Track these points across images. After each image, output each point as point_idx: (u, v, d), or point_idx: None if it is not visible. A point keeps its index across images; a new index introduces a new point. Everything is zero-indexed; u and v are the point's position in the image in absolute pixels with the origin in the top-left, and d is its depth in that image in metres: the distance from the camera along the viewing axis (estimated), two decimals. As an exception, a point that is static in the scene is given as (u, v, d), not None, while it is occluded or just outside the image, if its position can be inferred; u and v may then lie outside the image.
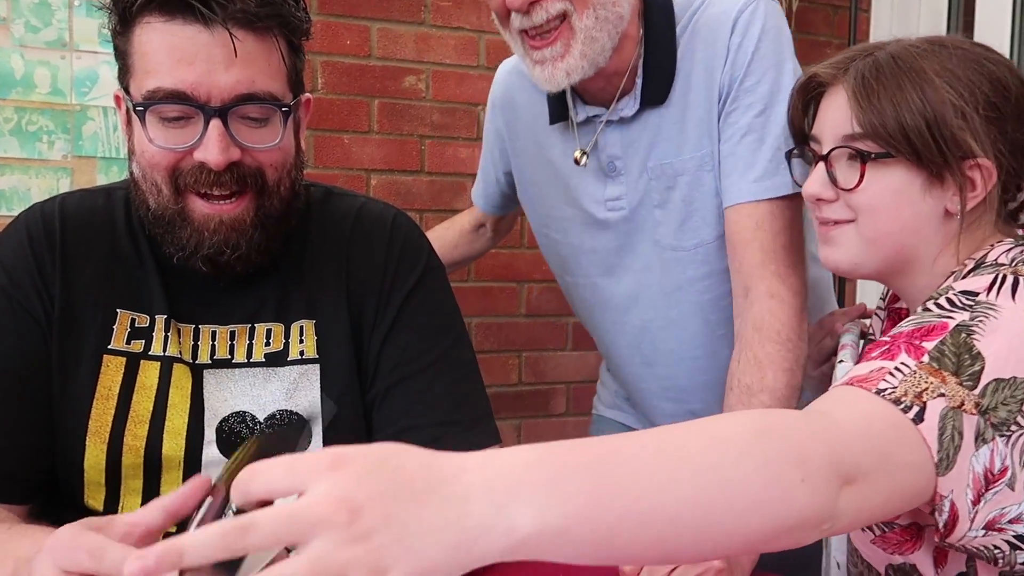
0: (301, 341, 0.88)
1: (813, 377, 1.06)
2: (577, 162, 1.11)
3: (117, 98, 0.85)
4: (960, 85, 0.78)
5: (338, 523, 0.42)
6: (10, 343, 0.82)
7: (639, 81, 1.07)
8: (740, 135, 1.03)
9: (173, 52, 0.77)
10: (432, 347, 0.90)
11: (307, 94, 0.90)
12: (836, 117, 0.82)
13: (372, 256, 0.91)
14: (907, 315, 0.93)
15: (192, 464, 0.84)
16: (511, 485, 0.46)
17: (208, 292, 0.86)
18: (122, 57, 0.82)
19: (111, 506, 0.83)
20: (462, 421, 0.88)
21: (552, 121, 1.16)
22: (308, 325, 0.89)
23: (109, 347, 0.84)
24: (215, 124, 0.77)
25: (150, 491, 0.83)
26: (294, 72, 0.85)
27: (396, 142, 1.84)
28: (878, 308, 1.02)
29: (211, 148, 0.77)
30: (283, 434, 0.71)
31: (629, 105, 1.09)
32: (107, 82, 1.64)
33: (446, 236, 1.45)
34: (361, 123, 1.81)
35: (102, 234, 0.87)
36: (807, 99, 0.88)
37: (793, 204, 1.03)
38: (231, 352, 0.87)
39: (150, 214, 0.83)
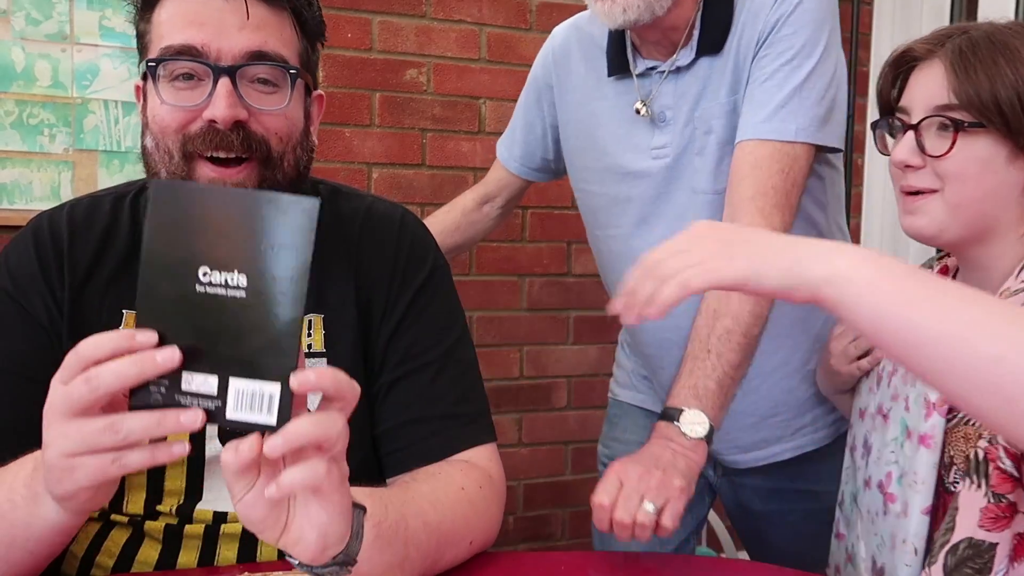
0: (309, 335, 0.89)
1: (839, 374, 1.05)
2: (638, 112, 1.17)
3: (137, 88, 0.87)
4: None
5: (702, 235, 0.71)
6: (18, 347, 0.83)
7: (696, 32, 1.13)
8: (763, 79, 1.08)
9: (187, 15, 0.80)
10: (436, 344, 0.92)
11: (321, 91, 0.92)
12: (929, 88, 0.88)
13: (381, 253, 0.93)
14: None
15: (196, 460, 0.84)
16: (834, 248, 0.66)
17: None
18: (141, 39, 0.84)
19: (115, 504, 0.84)
20: (462, 416, 0.90)
21: (610, 73, 1.21)
22: (316, 319, 0.90)
23: None
24: (224, 82, 0.79)
25: (153, 487, 0.84)
26: (305, 55, 0.87)
27: (397, 135, 1.84)
28: None
29: (219, 104, 0.79)
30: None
31: (684, 55, 1.14)
32: (108, 75, 1.63)
33: (446, 220, 1.46)
34: (362, 116, 1.81)
35: (108, 240, 0.88)
36: (897, 73, 0.93)
37: (797, 154, 1.06)
38: None
39: None
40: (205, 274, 0.56)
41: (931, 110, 0.87)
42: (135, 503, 0.84)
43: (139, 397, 0.57)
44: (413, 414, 0.89)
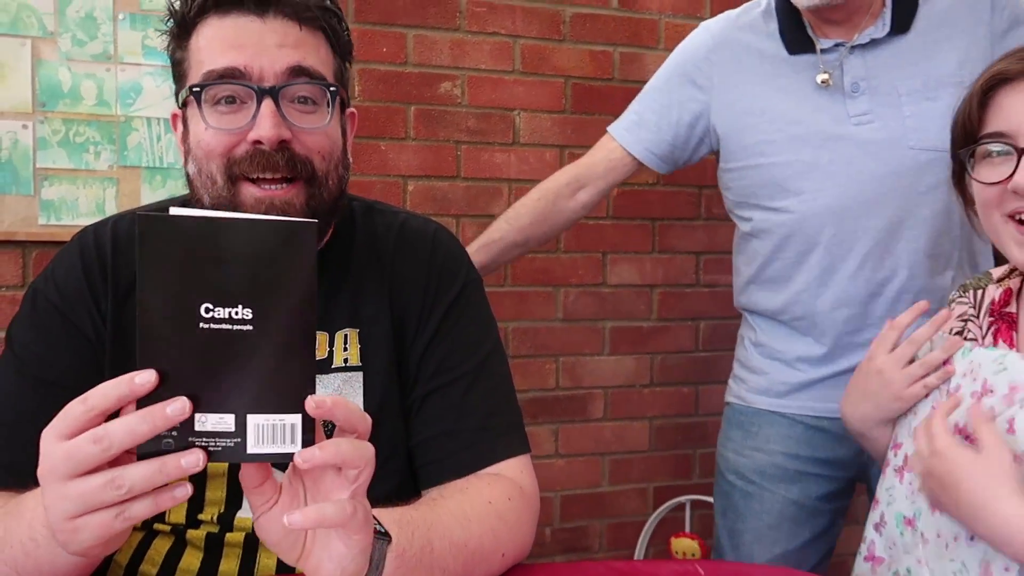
0: (345, 349, 0.90)
1: (899, 399, 1.00)
2: (826, 83, 1.30)
3: (175, 117, 0.88)
4: None
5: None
6: (64, 360, 0.85)
7: (887, 10, 1.29)
8: None
9: (227, 40, 0.81)
10: (470, 357, 0.92)
11: (352, 108, 0.93)
12: None
13: (415, 268, 0.94)
14: (1014, 319, 0.92)
15: (236, 468, 0.85)
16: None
17: None
18: (178, 66, 0.86)
19: (158, 513, 0.85)
20: (493, 429, 0.91)
21: (791, 52, 1.34)
22: (352, 334, 0.91)
23: None
24: (267, 103, 0.80)
25: (195, 497, 0.85)
26: (340, 74, 0.88)
27: (432, 148, 1.85)
28: (968, 316, 1.01)
29: (264, 124, 0.80)
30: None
31: (877, 29, 1.29)
32: (151, 93, 1.67)
33: (536, 209, 1.48)
34: (398, 130, 1.83)
35: None
36: (986, 96, 0.90)
37: None
38: None
39: (206, 209, 0.85)
40: (208, 310, 0.53)
41: None
42: (177, 512, 0.85)
43: (148, 445, 0.54)
44: (446, 427, 0.89)
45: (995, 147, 0.89)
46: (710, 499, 1.76)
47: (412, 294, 0.93)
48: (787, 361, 1.40)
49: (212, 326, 0.54)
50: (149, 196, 1.68)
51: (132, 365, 0.84)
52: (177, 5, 0.85)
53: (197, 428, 0.55)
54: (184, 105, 0.85)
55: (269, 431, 0.55)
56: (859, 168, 1.29)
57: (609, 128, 1.50)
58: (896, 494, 0.98)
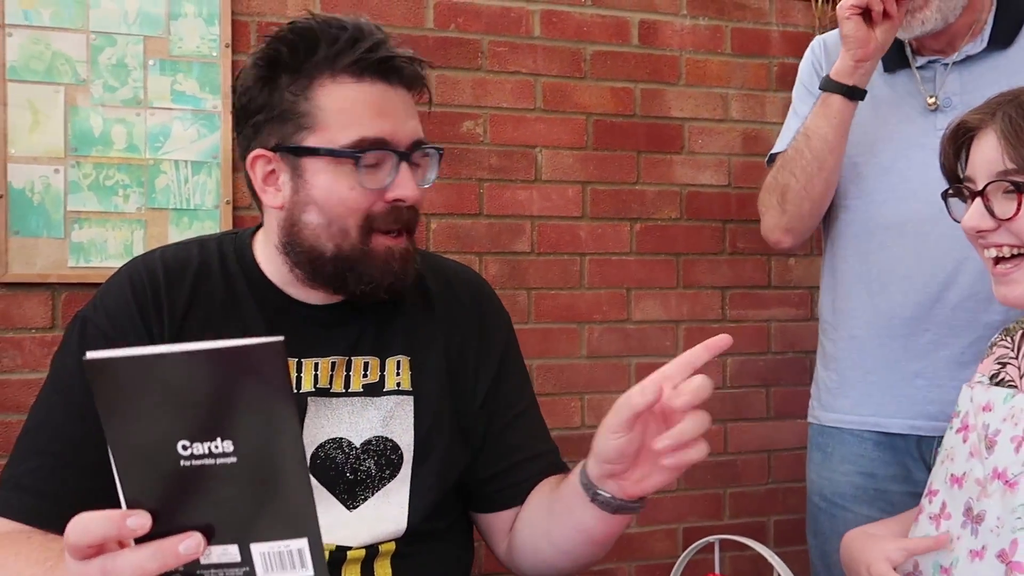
0: (397, 374, 0.96)
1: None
2: (931, 105, 1.33)
3: (255, 159, 0.90)
4: None
5: None
6: None
7: (988, 27, 1.30)
8: None
9: (372, 107, 0.88)
10: (528, 388, 1.05)
11: None
12: (988, 156, 0.93)
13: (462, 307, 1.02)
14: None
15: None
16: None
17: (308, 328, 0.93)
18: (295, 115, 0.88)
19: None
20: (556, 450, 1.04)
21: (887, 69, 1.38)
22: (404, 360, 0.96)
23: None
24: (405, 165, 0.89)
25: None
26: None
27: (455, 186, 1.86)
28: (1007, 359, 1.00)
29: (409, 185, 0.89)
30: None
31: (975, 46, 1.31)
32: (179, 136, 1.70)
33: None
34: (420, 168, 1.84)
35: (201, 279, 0.93)
36: (958, 145, 1.00)
37: None
38: (330, 382, 0.93)
39: (330, 256, 0.89)
40: (185, 448, 0.52)
41: (993, 176, 0.92)
42: None
43: None
44: (530, 452, 1.00)
45: (961, 190, 0.98)
46: (739, 539, 1.72)
47: (465, 327, 1.00)
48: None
49: (194, 463, 0.52)
50: (176, 236, 1.70)
51: None
52: (283, 50, 0.88)
53: (203, 561, 0.53)
54: (295, 153, 0.88)
55: (276, 558, 0.54)
56: (935, 176, 1.30)
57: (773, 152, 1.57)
58: (921, 554, 0.95)
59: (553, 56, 1.91)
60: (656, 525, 2.00)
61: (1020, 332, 1.01)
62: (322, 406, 0.92)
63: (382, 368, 0.95)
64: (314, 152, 0.87)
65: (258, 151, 0.89)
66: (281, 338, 0.51)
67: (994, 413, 0.93)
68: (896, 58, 1.38)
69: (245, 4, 1.74)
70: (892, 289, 1.36)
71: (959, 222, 0.98)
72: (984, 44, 1.31)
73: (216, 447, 0.52)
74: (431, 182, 0.95)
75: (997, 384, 0.99)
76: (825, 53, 1.48)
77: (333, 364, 0.93)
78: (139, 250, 1.67)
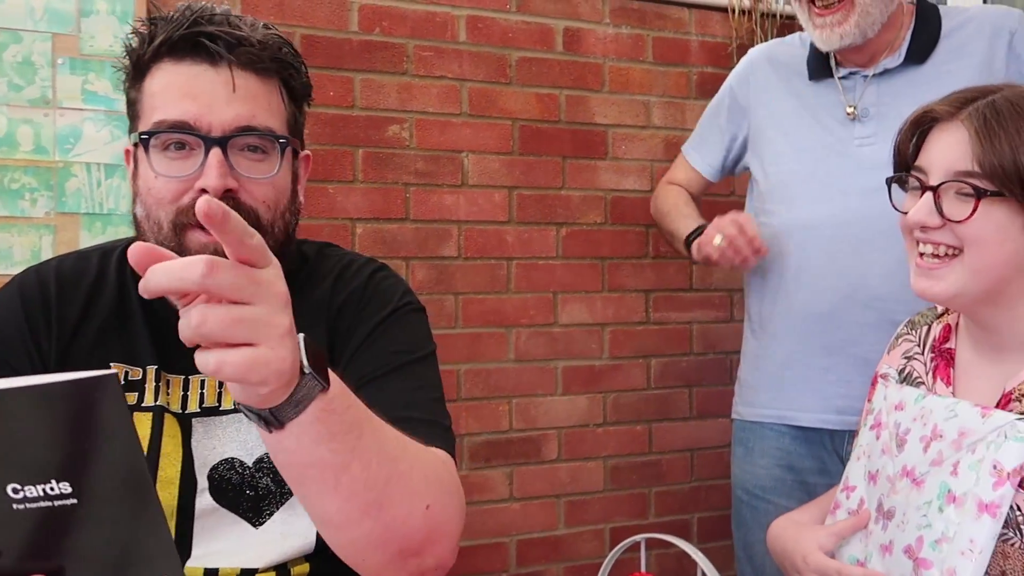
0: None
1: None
2: (850, 114, 1.42)
3: (127, 152, 0.88)
4: None
5: None
6: None
7: (905, 44, 1.39)
8: None
9: (180, 88, 0.82)
10: (395, 358, 0.90)
11: (308, 151, 0.95)
12: (951, 152, 0.89)
13: (349, 299, 0.94)
14: (952, 355, 0.95)
15: (185, 513, 0.84)
16: None
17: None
18: (132, 106, 0.86)
19: None
20: (413, 419, 0.84)
21: (812, 78, 1.48)
22: None
23: None
24: (215, 152, 0.81)
25: None
26: (293, 120, 0.90)
27: (381, 191, 1.85)
28: (912, 353, 1.03)
29: (211, 174, 0.81)
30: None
31: (893, 60, 1.40)
32: (91, 138, 1.64)
33: (684, 193, 1.73)
34: (345, 173, 1.82)
35: (95, 292, 0.89)
36: (916, 131, 0.96)
37: None
38: (219, 400, 0.88)
39: None
40: (16, 491, 0.48)
41: (951, 175, 0.89)
42: None
43: None
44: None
45: (912, 180, 0.95)
46: (664, 537, 1.76)
47: (346, 314, 0.93)
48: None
49: (29, 505, 0.48)
50: (89, 242, 1.63)
51: None
52: (134, 44, 0.85)
53: None
54: (136, 145, 0.85)
55: None
56: (851, 182, 1.40)
57: (687, 149, 1.73)
58: (849, 536, 0.98)
59: (479, 61, 1.92)
60: (583, 526, 2.02)
61: (925, 327, 1.06)
62: (211, 426, 0.88)
63: None
64: (135, 141, 0.85)
65: (127, 147, 0.88)
66: (114, 372, 0.49)
67: (906, 412, 0.96)
68: (820, 68, 1.46)
69: (161, 1, 1.68)
70: (807, 289, 1.43)
71: (899, 211, 0.96)
72: (901, 59, 1.39)
73: (51, 489, 0.48)
74: (273, 175, 0.85)
75: (905, 379, 1.03)
76: (752, 67, 1.60)
77: (220, 382, 0.88)
78: (47, 256, 1.60)
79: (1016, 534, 0.82)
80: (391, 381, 0.89)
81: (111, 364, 0.86)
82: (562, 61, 1.99)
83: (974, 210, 0.87)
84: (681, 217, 1.69)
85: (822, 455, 1.45)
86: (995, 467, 0.83)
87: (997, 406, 0.90)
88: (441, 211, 1.89)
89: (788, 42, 1.59)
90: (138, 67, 0.85)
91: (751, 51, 1.66)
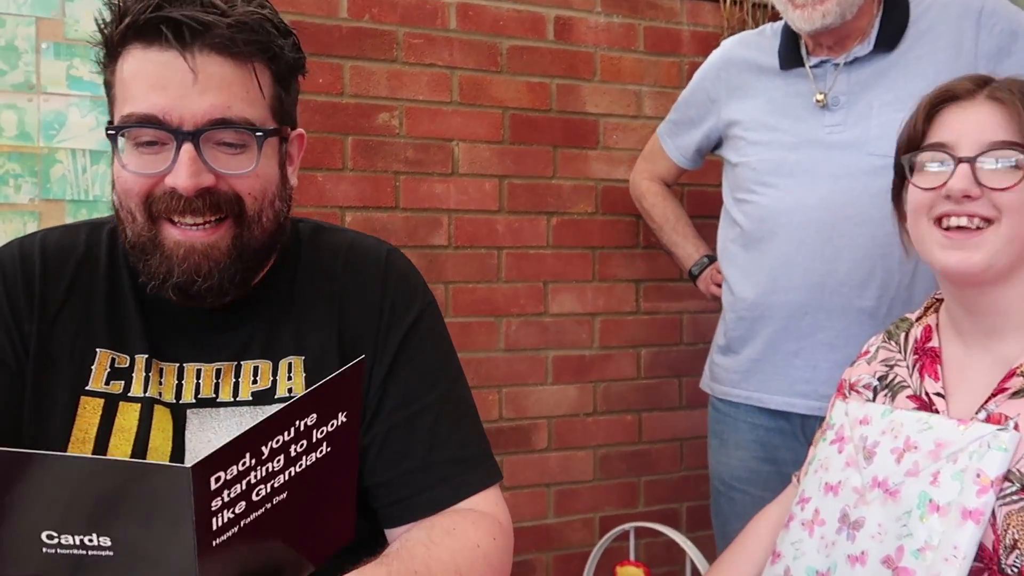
0: (289, 378, 0.86)
1: None
2: (821, 102, 1.41)
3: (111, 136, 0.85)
4: None
5: None
6: None
7: (875, 30, 1.39)
8: None
9: (148, 78, 0.77)
10: (433, 386, 0.89)
11: (300, 129, 0.89)
12: (981, 125, 0.92)
13: (365, 294, 0.90)
14: (937, 353, 0.96)
15: None
16: None
17: (193, 329, 0.84)
18: (108, 90, 0.82)
19: None
20: (466, 461, 0.88)
21: (783, 67, 1.48)
22: (296, 361, 0.87)
23: (87, 388, 0.82)
24: (187, 148, 0.76)
25: None
26: (278, 102, 0.84)
27: (370, 179, 1.83)
28: (894, 360, 1.04)
29: (181, 172, 0.76)
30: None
31: (862, 48, 1.40)
32: (75, 124, 1.62)
33: (669, 198, 1.80)
34: (335, 161, 1.81)
35: (83, 271, 0.85)
36: (932, 110, 0.98)
37: None
38: (216, 391, 0.85)
39: (127, 243, 0.81)
40: (51, 537, 0.50)
41: (987, 145, 0.91)
42: None
43: None
44: (415, 462, 0.85)
45: (935, 156, 0.95)
46: (653, 525, 1.76)
47: (364, 321, 0.88)
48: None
49: (60, 551, 0.50)
50: (74, 230, 1.61)
51: (52, 389, 0.80)
52: (105, 20, 0.80)
53: None
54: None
55: None
56: (820, 169, 1.40)
57: (661, 134, 1.77)
58: (805, 548, 0.99)
59: (469, 50, 1.90)
60: (573, 515, 2.03)
61: (903, 334, 1.06)
62: (207, 418, 0.84)
63: (274, 372, 0.86)
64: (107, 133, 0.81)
65: (110, 128, 0.84)
66: (188, 467, 0.50)
67: (872, 426, 0.97)
68: (791, 57, 1.47)
69: (147, -13, 1.66)
70: (777, 274, 1.45)
71: (919, 187, 0.96)
72: (871, 47, 1.40)
73: (90, 540, 0.50)
74: (252, 169, 0.80)
75: (887, 386, 1.04)
76: (723, 61, 1.62)
77: (219, 371, 0.85)
78: (33, 244, 1.58)
79: None
80: (442, 416, 0.87)
81: (96, 349, 0.83)
82: (553, 50, 1.98)
83: (1022, 177, 0.89)
84: (679, 237, 1.79)
85: (795, 445, 1.47)
86: (978, 475, 0.85)
87: (999, 385, 0.91)
88: (431, 200, 1.88)
89: (759, 33, 1.60)
90: (109, 49, 0.80)
91: (723, 43, 1.67)
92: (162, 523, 0.51)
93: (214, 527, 0.56)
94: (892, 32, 1.40)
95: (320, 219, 1.77)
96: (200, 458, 0.53)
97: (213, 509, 0.55)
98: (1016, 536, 0.83)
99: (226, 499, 0.57)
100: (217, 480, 0.56)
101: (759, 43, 1.56)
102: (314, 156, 1.78)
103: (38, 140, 1.60)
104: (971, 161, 0.91)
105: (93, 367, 0.82)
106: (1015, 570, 0.82)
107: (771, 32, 1.56)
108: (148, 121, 0.76)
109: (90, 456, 0.50)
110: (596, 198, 2.02)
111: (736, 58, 1.59)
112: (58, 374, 0.81)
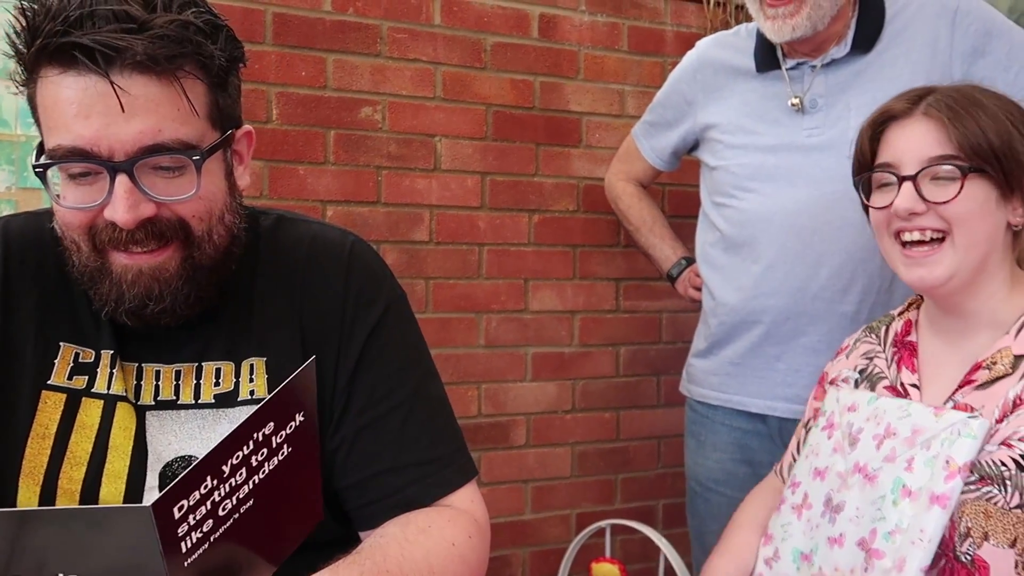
0: (251, 380, 0.84)
1: None
2: (796, 106, 1.41)
3: None
4: (1013, 116, 0.94)
5: None
6: None
7: (851, 32, 1.39)
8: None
9: (70, 106, 0.71)
10: (401, 385, 0.86)
11: (247, 126, 0.84)
12: (920, 142, 0.95)
13: (328, 289, 0.87)
14: (915, 347, 0.98)
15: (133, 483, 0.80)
16: None
17: (156, 329, 0.82)
18: (33, 111, 0.77)
19: None
20: (438, 460, 0.86)
21: (759, 70, 1.47)
22: (259, 363, 0.85)
23: (48, 382, 0.80)
24: (121, 180, 0.72)
25: None
26: (215, 110, 0.78)
27: (352, 173, 1.83)
28: (873, 353, 1.06)
29: (118, 207, 0.72)
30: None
31: (839, 50, 1.40)
32: (54, 113, 1.60)
33: (645, 199, 1.80)
34: (317, 154, 1.80)
35: (47, 260, 0.82)
36: (875, 132, 1.01)
37: None
38: (176, 393, 0.82)
39: (75, 270, 0.78)
40: None
41: (927, 161, 0.94)
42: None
43: None
44: (385, 464, 0.84)
45: (881, 176, 0.99)
46: (629, 523, 1.77)
47: (327, 317, 0.85)
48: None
49: None
50: (51, 220, 1.60)
51: (13, 382, 0.78)
52: (16, 33, 0.73)
53: None
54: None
55: None
56: (800, 173, 1.42)
57: (637, 135, 1.77)
58: (792, 530, 1.01)
59: (453, 45, 1.90)
60: (550, 511, 2.04)
61: (884, 328, 1.09)
62: (167, 420, 0.82)
63: (236, 374, 0.83)
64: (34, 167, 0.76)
65: None
66: (148, 506, 0.50)
67: (858, 413, 1.00)
68: (768, 60, 1.46)
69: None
70: (759, 279, 1.46)
71: (874, 207, 1.00)
72: (848, 49, 1.40)
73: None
74: (191, 193, 0.74)
75: (867, 378, 1.06)
76: (699, 63, 1.61)
77: (178, 373, 0.83)
78: (9, 233, 1.57)
79: (1000, 490, 0.84)
80: (412, 414, 0.85)
81: (60, 342, 0.81)
82: (537, 47, 1.98)
83: (960, 188, 0.92)
84: (656, 239, 1.78)
85: (772, 448, 1.48)
86: (948, 462, 0.88)
87: (965, 378, 0.95)
88: (413, 195, 1.88)
89: (735, 34, 1.59)
90: (25, 67, 0.74)
91: (698, 43, 1.65)
92: (131, 556, 0.52)
93: (183, 549, 0.56)
94: (868, 33, 1.40)
95: (301, 212, 1.77)
96: (159, 494, 0.53)
97: (180, 535, 0.56)
98: (969, 524, 0.86)
99: (192, 522, 0.57)
100: (180, 508, 0.56)
101: (735, 44, 1.55)
102: (295, 149, 1.78)
103: (16, 128, 1.58)
104: (913, 179, 0.94)
105: (56, 361, 0.80)
106: (968, 557, 0.84)
107: (746, 33, 1.55)
108: (76, 154, 0.72)
109: (50, 508, 0.52)
110: (578, 196, 2.03)
111: (712, 59, 1.58)
112: (20, 366, 0.80)
